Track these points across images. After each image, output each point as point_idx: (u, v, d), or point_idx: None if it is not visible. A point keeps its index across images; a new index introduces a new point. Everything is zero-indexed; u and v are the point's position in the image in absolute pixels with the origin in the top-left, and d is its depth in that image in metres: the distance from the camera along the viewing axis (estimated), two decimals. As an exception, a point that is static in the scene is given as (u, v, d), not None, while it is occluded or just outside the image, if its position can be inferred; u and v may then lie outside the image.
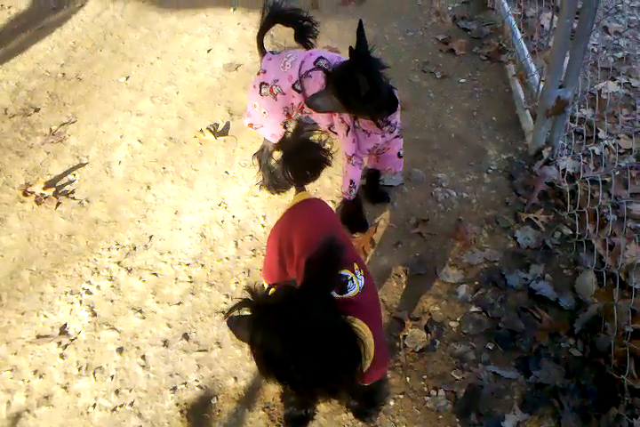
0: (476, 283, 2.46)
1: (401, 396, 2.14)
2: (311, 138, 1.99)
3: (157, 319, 2.42)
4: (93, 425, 2.13)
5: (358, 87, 1.95)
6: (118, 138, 3.24)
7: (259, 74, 2.41)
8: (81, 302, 2.50)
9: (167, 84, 3.56)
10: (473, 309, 2.37)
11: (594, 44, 3.51)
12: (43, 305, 2.51)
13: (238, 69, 3.60)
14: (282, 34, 3.62)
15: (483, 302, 2.39)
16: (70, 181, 3.02)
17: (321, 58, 2.30)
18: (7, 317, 2.48)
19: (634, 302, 2.13)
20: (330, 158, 1.97)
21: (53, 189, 2.95)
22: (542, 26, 3.44)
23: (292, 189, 2.05)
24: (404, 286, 2.47)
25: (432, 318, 2.35)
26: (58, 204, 2.90)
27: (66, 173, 3.06)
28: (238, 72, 3.59)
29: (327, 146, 1.96)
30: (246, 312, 1.35)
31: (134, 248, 2.69)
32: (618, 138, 2.90)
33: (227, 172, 2.99)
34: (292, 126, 2.51)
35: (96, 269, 2.62)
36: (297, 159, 1.96)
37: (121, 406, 2.17)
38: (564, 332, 2.26)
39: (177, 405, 2.17)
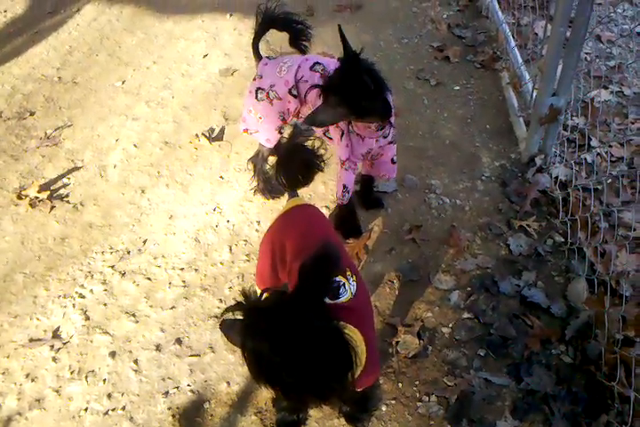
0: (469, 289, 2.47)
1: (393, 401, 2.15)
2: (305, 143, 2.00)
3: (150, 324, 2.42)
4: (85, 429, 2.13)
5: (363, 89, 1.96)
6: (113, 142, 3.25)
7: (255, 79, 2.42)
8: (74, 305, 2.50)
9: (163, 89, 3.57)
10: (465, 315, 2.38)
11: (587, 53, 3.54)
12: (36, 309, 2.50)
13: (234, 75, 3.62)
14: (277, 40, 3.64)
15: (475, 308, 2.40)
16: (65, 185, 3.02)
17: (317, 63, 2.32)
18: (0, 320, 2.47)
19: (624, 310, 2.14)
20: (322, 164, 1.98)
21: (48, 193, 2.95)
22: (536, 34, 3.47)
23: (287, 195, 2.06)
24: (396, 292, 2.48)
25: (424, 325, 2.36)
26: (52, 207, 2.90)
27: (60, 177, 3.07)
28: (234, 77, 3.60)
29: (320, 151, 1.97)
30: (239, 316, 1.35)
31: (128, 252, 2.69)
32: (610, 146, 2.92)
33: (222, 177, 3.00)
34: (287, 131, 2.52)
35: (89, 272, 2.62)
36: (290, 164, 1.97)
37: (113, 409, 2.17)
38: (556, 339, 2.27)
39: (169, 409, 2.17)
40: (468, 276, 2.52)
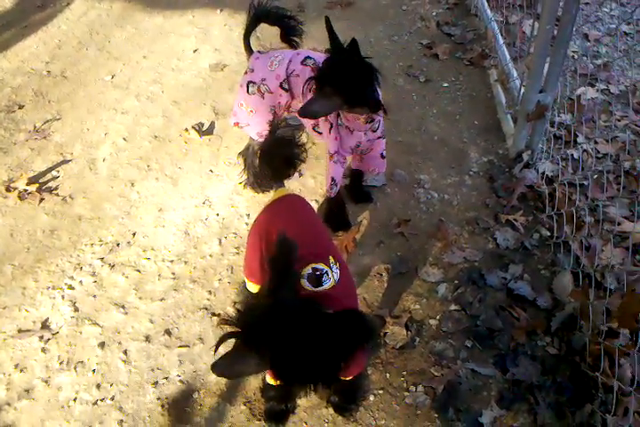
0: (456, 282, 2.50)
1: (380, 391, 2.17)
2: (286, 135, 2.01)
3: (140, 315, 2.43)
4: (74, 418, 2.13)
5: (356, 73, 1.98)
6: (103, 135, 3.25)
7: (246, 73, 2.44)
8: (63, 297, 2.50)
9: (153, 83, 3.58)
10: (452, 307, 2.41)
11: (574, 51, 3.58)
12: (25, 300, 2.50)
13: (224, 70, 3.63)
14: (268, 35, 3.65)
15: (462, 300, 2.43)
16: (54, 178, 3.02)
17: (308, 57, 2.34)
18: (-12, 311, 2.48)
19: (608, 302, 2.18)
20: (304, 155, 1.99)
21: (37, 185, 2.95)
22: (524, 32, 3.50)
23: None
24: (385, 285, 2.50)
25: (412, 316, 2.39)
26: (41, 200, 2.90)
27: (49, 170, 3.06)
28: (224, 72, 3.61)
29: (301, 142, 1.98)
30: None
31: (117, 244, 2.70)
32: (596, 142, 2.96)
33: (211, 170, 3.01)
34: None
35: (79, 264, 2.62)
36: (272, 156, 1.98)
37: (102, 399, 2.18)
38: (541, 330, 2.30)
39: (158, 399, 2.18)
40: (455, 269, 2.54)
